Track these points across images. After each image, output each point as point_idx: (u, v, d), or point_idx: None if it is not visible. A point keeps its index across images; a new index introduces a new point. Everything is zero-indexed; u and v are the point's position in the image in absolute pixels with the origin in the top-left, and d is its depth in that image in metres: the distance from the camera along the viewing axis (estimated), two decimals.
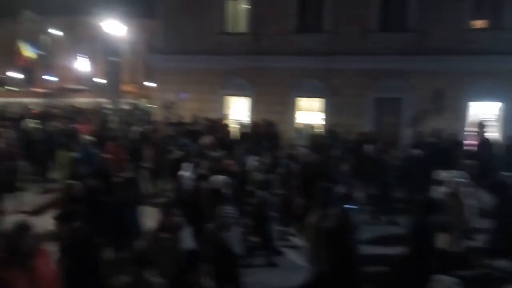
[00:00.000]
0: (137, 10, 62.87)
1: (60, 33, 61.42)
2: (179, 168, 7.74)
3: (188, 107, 15.55)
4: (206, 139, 10.31)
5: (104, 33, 16.46)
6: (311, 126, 13.39)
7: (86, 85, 63.01)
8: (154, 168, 10.28)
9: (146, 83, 56.11)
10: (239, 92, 15.43)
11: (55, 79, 50.02)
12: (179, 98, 15.93)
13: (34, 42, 22.52)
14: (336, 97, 13.98)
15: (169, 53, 15.90)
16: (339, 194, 6.17)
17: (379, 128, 13.44)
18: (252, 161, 8.46)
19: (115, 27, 16.14)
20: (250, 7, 14.94)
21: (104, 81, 63.02)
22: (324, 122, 14.29)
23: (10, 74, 66.64)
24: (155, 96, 17.13)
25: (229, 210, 5.13)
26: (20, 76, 65.23)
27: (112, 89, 15.30)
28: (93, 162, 8.55)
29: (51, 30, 38.83)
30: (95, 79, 63.36)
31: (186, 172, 7.40)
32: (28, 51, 19.04)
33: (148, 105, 20.69)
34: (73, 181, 6.04)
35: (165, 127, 12.80)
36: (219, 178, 6.80)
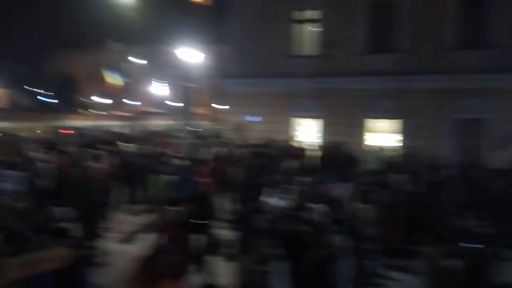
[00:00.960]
0: (210, 37, 66.36)
1: (140, 61, 66.69)
2: (260, 193, 7.42)
3: (258, 129, 15.83)
4: (291, 163, 9.77)
5: (180, 60, 17.50)
6: (382, 149, 12.86)
7: (163, 109, 67.25)
8: (239, 192, 9.84)
9: (217, 106, 58.41)
10: (308, 114, 15.40)
11: (135, 103, 53.88)
12: (249, 120, 16.31)
13: (117, 70, 24.75)
14: (411, 118, 13.35)
15: (239, 77, 16.43)
16: (456, 228, 5.43)
17: (459, 151, 12.53)
18: (341, 188, 7.80)
19: (190, 54, 17.12)
20: (319, 29, 15.02)
21: (179, 105, 66.76)
22: (397, 144, 13.66)
23: (95, 98, 73.36)
24: (227, 119, 17.71)
25: (334, 241, 4.91)
26: (104, 100, 71.66)
27: (186, 113, 16.06)
28: (187, 186, 8.31)
29: (132, 58, 42.16)
30: (171, 103, 67.30)
31: (271, 198, 6.85)
32: (112, 78, 20.91)
33: (220, 127, 21.45)
34: (174, 206, 5.90)
35: (241, 150, 12.81)
36: (318, 207, 6.17)
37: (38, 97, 70.62)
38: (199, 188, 7.66)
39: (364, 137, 14.28)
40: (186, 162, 9.64)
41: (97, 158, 9.90)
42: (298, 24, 15.58)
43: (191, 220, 5.92)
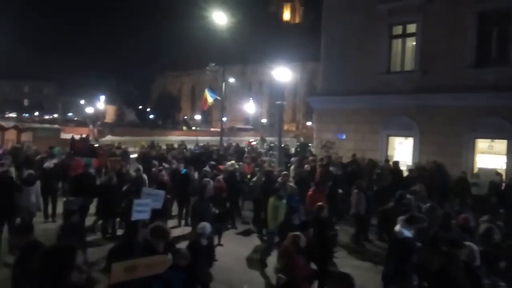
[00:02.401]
0: (300, 54, 67.41)
1: (233, 80, 69.92)
2: (388, 221, 6.95)
3: (348, 146, 15.40)
4: (418, 187, 8.96)
5: (271, 78, 17.95)
6: (493, 172, 11.46)
7: (252, 125, 69.49)
8: (360, 217, 9.33)
9: (308, 123, 58.56)
10: (404, 132, 14.51)
11: (227, 119, 56.39)
12: (338, 138, 15.96)
13: (214, 89, 26.25)
14: None
15: (329, 94, 16.22)
16: None
17: None
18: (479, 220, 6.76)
19: (281, 73, 17.43)
20: (418, 43, 14.17)
21: (267, 121, 68.56)
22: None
23: (193, 116, 78.30)
24: (315, 136, 17.54)
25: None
26: (200, 117, 76.25)
27: (277, 129, 16.26)
28: (298, 210, 8.06)
29: (227, 77, 44.50)
30: (260, 120, 69.35)
31: (403, 229, 5.96)
32: (209, 97, 22.14)
33: (310, 144, 21.34)
34: (298, 232, 5.55)
35: (335, 169, 12.39)
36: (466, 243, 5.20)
37: (145, 114, 78.10)
38: (316, 213, 7.06)
39: (472, 157, 12.92)
40: (296, 186, 9.23)
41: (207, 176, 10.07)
42: (395, 38, 14.90)
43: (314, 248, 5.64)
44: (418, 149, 14.04)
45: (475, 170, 12.52)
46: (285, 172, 10.49)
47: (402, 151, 14.74)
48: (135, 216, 5.48)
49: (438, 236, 5.59)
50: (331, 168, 12.33)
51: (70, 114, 79.25)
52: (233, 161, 12.63)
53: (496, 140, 12.73)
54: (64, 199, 8.67)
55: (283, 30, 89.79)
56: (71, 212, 7.23)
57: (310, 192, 9.08)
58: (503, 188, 10.59)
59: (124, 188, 8.86)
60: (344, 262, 7.96)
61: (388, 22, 14.76)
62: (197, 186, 9.55)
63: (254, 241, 9.26)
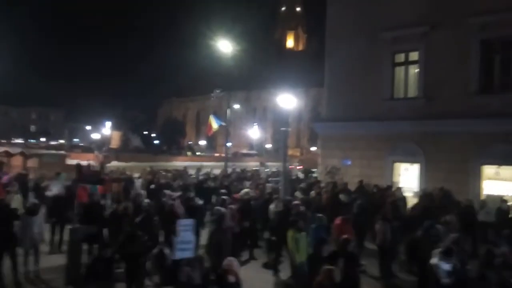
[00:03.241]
0: (305, 80, 68.24)
1: (238, 105, 70.56)
2: (417, 252, 6.81)
3: (353, 173, 15.30)
4: (449, 217, 8.67)
5: (275, 104, 18.10)
6: (500, 199, 11.27)
7: (256, 150, 69.56)
8: (386, 249, 8.83)
9: (310, 148, 58.58)
10: (409, 158, 14.45)
11: (231, 145, 56.48)
12: (343, 164, 15.89)
13: (219, 114, 26.53)
14: None
15: (333, 120, 16.28)
16: None
17: None
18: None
19: (285, 99, 17.58)
20: (421, 70, 14.31)
21: (272, 147, 68.70)
22: None
23: (198, 142, 78.52)
24: (319, 162, 17.48)
25: None
26: (204, 143, 76.54)
27: (280, 155, 16.23)
28: (327, 241, 7.54)
29: (232, 103, 44.85)
30: (264, 145, 69.52)
31: (441, 262, 5.71)
32: (214, 122, 22.31)
33: (313, 170, 21.26)
34: (331, 266, 5.48)
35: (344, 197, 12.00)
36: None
37: (150, 139, 78.60)
38: (343, 246, 6.77)
39: (479, 184, 12.77)
40: (321, 216, 8.72)
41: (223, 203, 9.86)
42: (398, 66, 15.06)
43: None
44: (424, 176, 13.93)
45: (482, 197, 12.36)
46: (297, 202, 10.03)
47: (408, 178, 14.62)
48: (178, 255, 5.12)
49: (486, 276, 5.30)
50: (340, 196, 12.05)
51: (76, 140, 79.97)
52: (247, 189, 12.22)
53: (503, 166, 12.61)
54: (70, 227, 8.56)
55: (287, 57, 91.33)
56: (77, 241, 7.17)
57: (337, 222, 8.74)
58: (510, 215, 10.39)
59: (138, 219, 8.29)
60: None
61: (391, 50, 14.95)
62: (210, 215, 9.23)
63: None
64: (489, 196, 12.23)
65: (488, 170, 12.88)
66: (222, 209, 8.71)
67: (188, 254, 5.18)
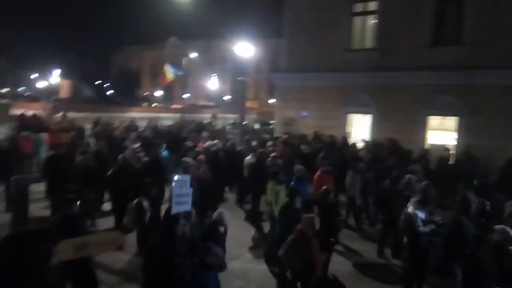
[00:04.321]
0: (263, 31, 66.68)
1: (195, 55, 68.41)
2: (385, 201, 6.91)
3: (309, 124, 15.57)
4: (417, 167, 8.82)
5: (234, 54, 17.66)
6: (443, 148, 12.00)
7: (215, 102, 68.70)
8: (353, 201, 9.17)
9: (268, 100, 58.60)
10: (362, 109, 14.85)
11: (189, 96, 55.31)
12: (300, 115, 16.09)
13: (175, 64, 25.54)
14: (475, 116, 12.37)
15: (291, 71, 16.21)
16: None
17: None
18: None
19: (244, 49, 17.17)
20: (378, 21, 14.35)
21: (230, 98, 68.00)
22: (459, 143, 12.76)
23: (154, 92, 76.17)
24: (277, 113, 17.58)
25: None
26: (161, 94, 74.34)
27: (238, 106, 16.14)
28: (304, 194, 7.41)
29: (189, 53, 43.37)
30: (223, 97, 68.65)
31: (417, 211, 5.76)
32: (171, 73, 21.51)
33: (271, 122, 21.41)
34: (313, 215, 5.38)
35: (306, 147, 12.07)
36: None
37: (103, 90, 75.04)
38: (322, 197, 6.81)
39: (425, 134, 13.45)
40: (300, 167, 8.51)
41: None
42: (356, 17, 14.98)
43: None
44: (376, 126, 14.45)
45: (426, 146, 13.09)
46: (274, 154, 9.92)
47: (360, 128, 15.11)
48: (175, 209, 4.80)
49: (463, 222, 5.23)
50: (302, 147, 12.07)
51: (21, 88, 74.73)
52: (215, 140, 11.90)
53: (447, 117, 13.30)
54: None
55: (247, 5, 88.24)
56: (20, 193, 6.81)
57: (316, 175, 8.74)
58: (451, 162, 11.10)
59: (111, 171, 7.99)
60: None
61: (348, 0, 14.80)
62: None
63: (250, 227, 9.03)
64: (433, 145, 13.00)
65: (433, 120, 13.55)
66: (190, 160, 8.51)
67: (186, 208, 4.92)
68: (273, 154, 9.84)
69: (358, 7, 14.99)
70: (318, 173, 8.91)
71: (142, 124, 17.47)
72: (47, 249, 2.41)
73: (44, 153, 12.40)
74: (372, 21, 14.78)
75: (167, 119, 27.93)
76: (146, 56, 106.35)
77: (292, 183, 7.92)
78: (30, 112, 20.15)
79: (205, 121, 23.53)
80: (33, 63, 70.24)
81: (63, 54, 67.62)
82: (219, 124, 23.52)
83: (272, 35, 71.32)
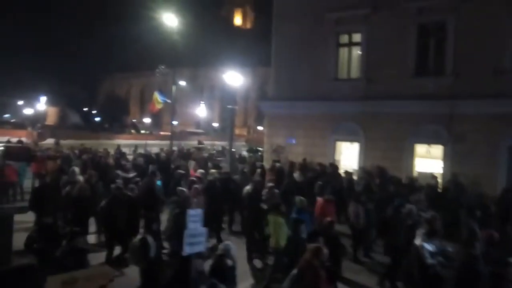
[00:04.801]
0: (251, 59, 67.93)
1: (183, 83, 68.87)
2: (388, 230, 6.80)
3: (297, 151, 15.67)
4: (419, 196, 8.88)
5: (222, 82, 17.90)
6: (430, 175, 12.16)
7: (203, 129, 68.82)
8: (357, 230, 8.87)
9: (257, 127, 59.04)
10: (350, 137, 15.04)
11: (177, 123, 55.24)
12: (288, 142, 16.20)
13: (164, 92, 25.69)
14: (460, 144, 12.64)
15: (279, 99, 16.44)
16: None
17: None
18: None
19: (232, 77, 17.40)
20: (362, 52, 14.78)
21: (219, 125, 68.41)
22: (445, 171, 12.94)
23: (142, 119, 75.87)
24: (265, 141, 17.67)
25: None
26: (149, 121, 74.31)
27: (227, 133, 16.18)
28: (307, 224, 7.19)
29: (177, 80, 43.73)
30: (211, 124, 68.98)
31: (425, 243, 5.61)
32: (159, 100, 21.61)
33: (259, 148, 21.49)
34: (319, 244, 5.27)
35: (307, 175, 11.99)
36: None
37: (90, 116, 74.57)
38: (327, 229, 6.56)
39: (412, 162, 13.64)
40: (302, 198, 8.19)
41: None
42: (342, 47, 15.42)
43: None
44: (364, 154, 14.61)
45: (414, 174, 13.25)
46: (271, 184, 9.55)
47: (349, 156, 15.26)
48: (188, 250, 4.56)
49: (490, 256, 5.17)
50: (294, 175, 11.94)
51: (6, 115, 73.83)
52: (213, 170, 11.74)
53: (433, 145, 13.56)
54: None
55: (235, 34, 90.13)
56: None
57: (319, 204, 8.56)
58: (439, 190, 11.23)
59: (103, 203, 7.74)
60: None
61: (335, 31, 15.26)
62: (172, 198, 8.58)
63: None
64: (420, 173, 13.16)
65: (420, 148, 13.78)
66: (186, 190, 8.23)
67: (199, 249, 4.70)
68: (270, 184, 9.56)
69: (343, 39, 15.45)
70: (321, 201, 8.75)
71: (129, 151, 17.36)
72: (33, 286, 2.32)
73: (27, 181, 12.22)
74: (357, 51, 15.22)
75: (155, 146, 27.79)
76: (134, 83, 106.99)
77: (294, 214, 7.68)
78: (15, 139, 19.87)
79: (190, 149, 23.47)
80: (19, 90, 69.75)
81: (50, 80, 67.44)
82: (205, 151, 23.48)
83: (260, 63, 72.83)
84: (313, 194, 9.70)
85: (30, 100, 59.04)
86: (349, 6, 14.57)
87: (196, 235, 4.60)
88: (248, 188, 9.85)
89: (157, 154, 17.52)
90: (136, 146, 20.22)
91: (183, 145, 27.03)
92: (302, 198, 8.17)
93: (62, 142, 29.61)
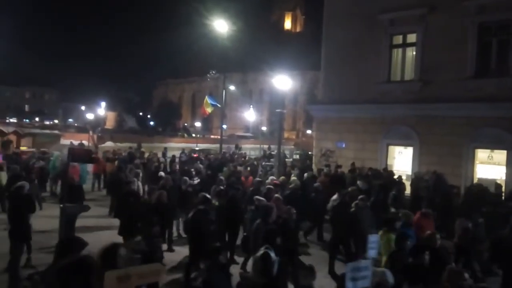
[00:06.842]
0: (301, 63, 67.76)
1: (234, 87, 70.11)
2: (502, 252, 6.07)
3: (347, 155, 15.36)
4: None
5: (271, 86, 18.02)
6: (494, 183, 11.36)
7: (252, 133, 69.55)
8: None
9: (306, 131, 58.68)
10: (404, 141, 14.49)
11: (227, 127, 56.30)
12: (338, 146, 15.93)
13: (214, 96, 26.32)
14: None
15: (329, 103, 16.21)
16: None
17: None
18: None
19: (281, 81, 17.45)
20: (417, 53, 14.20)
21: (268, 129, 68.77)
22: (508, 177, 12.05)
23: (194, 123, 78.14)
24: (315, 144, 17.49)
25: None
26: (200, 125, 76.46)
27: (276, 137, 16.23)
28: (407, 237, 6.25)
29: (228, 85, 44.68)
30: (260, 127, 69.52)
31: None
32: (210, 105, 22.15)
33: (309, 153, 21.29)
34: (459, 269, 4.88)
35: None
36: None
37: (145, 120, 78.18)
38: (428, 242, 5.87)
39: (472, 168, 12.86)
40: (407, 212, 7.53)
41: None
42: (396, 48, 14.93)
43: None
44: (418, 159, 14.00)
45: (475, 180, 12.47)
46: (362, 196, 8.43)
47: (402, 161, 14.70)
48: (371, 254, 4.45)
49: None
50: (358, 183, 11.03)
51: (70, 120, 79.33)
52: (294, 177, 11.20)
53: (496, 150, 12.69)
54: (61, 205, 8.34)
55: (284, 39, 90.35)
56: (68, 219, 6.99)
57: (415, 218, 7.65)
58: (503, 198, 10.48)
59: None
60: None
61: (388, 32, 14.80)
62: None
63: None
64: (481, 180, 12.36)
65: (481, 154, 12.95)
66: (264, 200, 7.67)
67: (373, 254, 4.50)
68: (360, 197, 8.43)
69: (397, 40, 14.94)
70: (417, 216, 7.84)
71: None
72: (90, 281, 2.44)
73: (89, 181, 13.03)
74: (412, 52, 14.65)
75: (205, 149, 28.46)
76: (186, 88, 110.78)
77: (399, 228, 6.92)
78: (76, 142, 21.29)
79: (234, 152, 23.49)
80: (81, 95, 74.88)
81: (109, 86, 71.74)
82: (247, 155, 23.49)
83: (309, 67, 72.46)
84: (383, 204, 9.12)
85: (91, 105, 63.01)
86: (404, 7, 14.08)
87: (360, 268, 3.94)
88: (335, 198, 9.19)
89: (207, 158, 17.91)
90: (183, 150, 20.97)
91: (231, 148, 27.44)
92: (407, 211, 7.51)
93: (120, 144, 31.27)
